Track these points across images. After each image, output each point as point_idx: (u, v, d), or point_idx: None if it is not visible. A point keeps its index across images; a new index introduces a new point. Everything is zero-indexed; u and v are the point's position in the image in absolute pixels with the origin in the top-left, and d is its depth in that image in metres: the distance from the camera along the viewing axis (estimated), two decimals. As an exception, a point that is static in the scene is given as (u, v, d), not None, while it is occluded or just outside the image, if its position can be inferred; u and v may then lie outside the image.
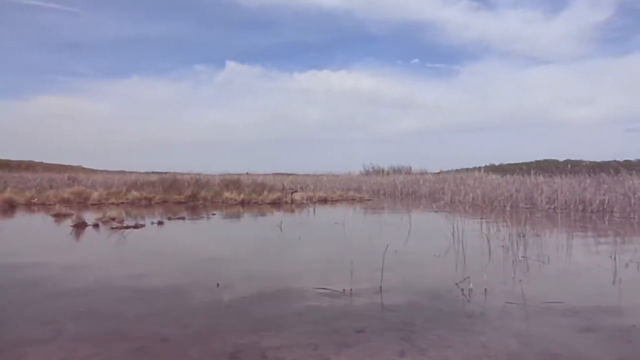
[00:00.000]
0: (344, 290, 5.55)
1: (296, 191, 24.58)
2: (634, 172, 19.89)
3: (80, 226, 11.51)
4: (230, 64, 73.60)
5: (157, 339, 4.01)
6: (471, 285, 5.60)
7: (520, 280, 6.02)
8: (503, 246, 8.79)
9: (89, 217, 12.96)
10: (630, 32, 71.14)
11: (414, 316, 4.64)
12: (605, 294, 5.61)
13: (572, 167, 23.36)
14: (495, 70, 75.63)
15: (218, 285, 5.75)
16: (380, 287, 5.66)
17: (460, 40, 73.40)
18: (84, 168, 52.61)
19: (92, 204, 19.08)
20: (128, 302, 5.13)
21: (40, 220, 14.10)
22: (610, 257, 7.49)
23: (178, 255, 8.25)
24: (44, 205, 18.29)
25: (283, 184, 28.97)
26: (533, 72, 72.56)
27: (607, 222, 13.94)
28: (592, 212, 16.96)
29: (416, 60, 74.40)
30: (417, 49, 76.95)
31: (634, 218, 14.71)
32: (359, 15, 71.89)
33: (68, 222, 12.13)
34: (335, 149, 74.13)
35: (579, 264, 7.49)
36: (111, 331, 4.19)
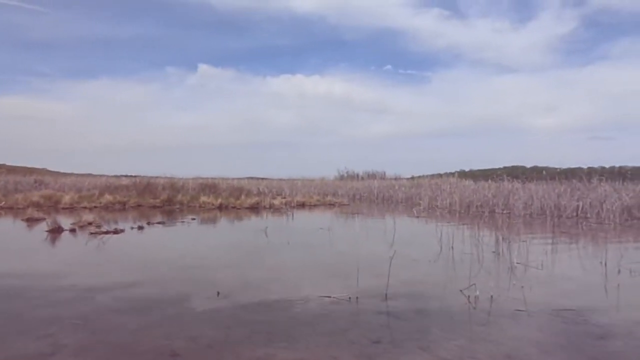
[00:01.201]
0: (349, 298, 5.42)
1: (282, 196, 24.34)
2: (603, 178, 20.54)
3: (56, 231, 11.01)
4: (203, 67, 72.42)
5: (166, 353, 3.77)
6: (477, 292, 5.56)
7: (522, 287, 6.01)
8: (494, 252, 8.85)
9: (63, 221, 12.39)
10: (593, 44, 73.90)
11: (428, 325, 4.55)
12: (609, 301, 5.66)
13: (539, 174, 23.95)
14: (465, 78, 77.28)
15: (218, 294, 5.52)
16: (386, 294, 5.56)
17: (432, 48, 74.64)
18: (49, 170, 50.67)
19: (64, 208, 18.35)
20: (126, 313, 4.85)
21: (11, 225, 13.44)
22: (601, 262, 7.64)
23: (167, 262, 7.92)
24: (12, 209, 17.48)
25: (259, 188, 28.69)
26: (501, 80, 74.43)
27: (584, 227, 14.28)
28: (567, 217, 17.37)
29: (389, 66, 75.18)
30: (389, 55, 77.72)
31: (609, 224, 15.13)
32: (333, 20, 72.18)
33: (42, 227, 11.58)
34: (308, 153, 74.04)
35: (573, 270, 7.57)
36: (115, 345, 3.93)
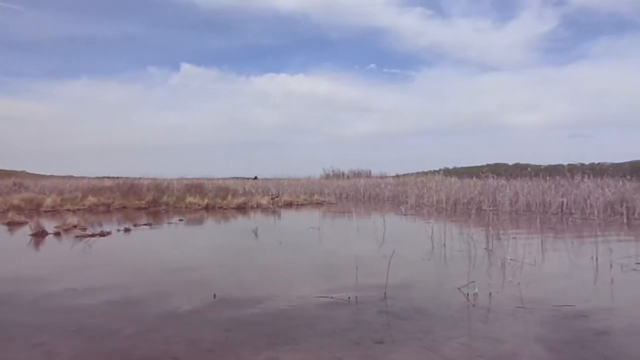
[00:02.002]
0: (349, 298, 5.36)
1: (271, 196, 24.20)
2: (586, 175, 20.81)
3: (40, 235, 10.72)
4: (185, 66, 71.49)
5: (166, 358, 3.66)
6: (476, 290, 5.55)
7: (519, 284, 6.03)
8: (485, 249, 8.89)
9: (47, 225, 12.06)
10: (573, 43, 75.05)
11: (429, 324, 4.51)
12: (606, 296, 5.72)
13: (522, 171, 24.21)
14: (448, 77, 77.83)
15: (215, 296, 5.41)
16: (385, 293, 5.51)
17: (415, 47, 75.02)
18: (28, 173, 49.56)
19: (46, 211, 17.94)
20: (121, 318, 4.70)
21: (-9, 229, 13.05)
22: (592, 258, 7.70)
23: (158, 264, 7.77)
24: (-8, 213, 17.00)
25: (244, 188, 28.49)
26: (484, 79, 75.21)
27: (570, 223, 14.47)
28: (552, 214, 17.58)
29: (373, 65, 75.43)
30: (373, 54, 78.08)
31: (593, 219, 15.35)
32: (317, 19, 72.07)
33: (25, 231, 11.28)
34: (294, 153, 73.79)
35: (565, 266, 7.65)
36: (112, 351, 3.81)
